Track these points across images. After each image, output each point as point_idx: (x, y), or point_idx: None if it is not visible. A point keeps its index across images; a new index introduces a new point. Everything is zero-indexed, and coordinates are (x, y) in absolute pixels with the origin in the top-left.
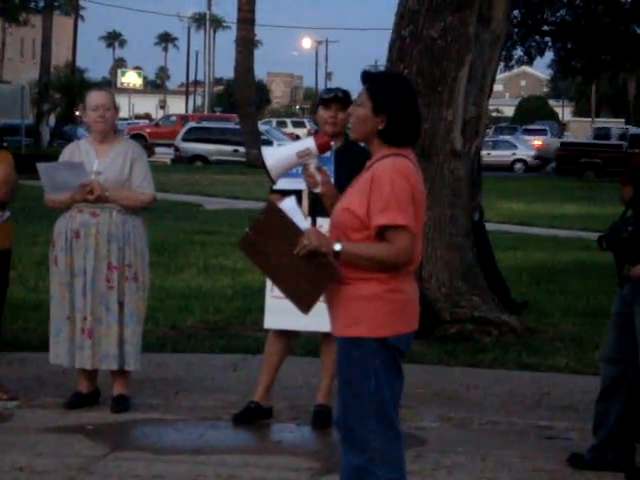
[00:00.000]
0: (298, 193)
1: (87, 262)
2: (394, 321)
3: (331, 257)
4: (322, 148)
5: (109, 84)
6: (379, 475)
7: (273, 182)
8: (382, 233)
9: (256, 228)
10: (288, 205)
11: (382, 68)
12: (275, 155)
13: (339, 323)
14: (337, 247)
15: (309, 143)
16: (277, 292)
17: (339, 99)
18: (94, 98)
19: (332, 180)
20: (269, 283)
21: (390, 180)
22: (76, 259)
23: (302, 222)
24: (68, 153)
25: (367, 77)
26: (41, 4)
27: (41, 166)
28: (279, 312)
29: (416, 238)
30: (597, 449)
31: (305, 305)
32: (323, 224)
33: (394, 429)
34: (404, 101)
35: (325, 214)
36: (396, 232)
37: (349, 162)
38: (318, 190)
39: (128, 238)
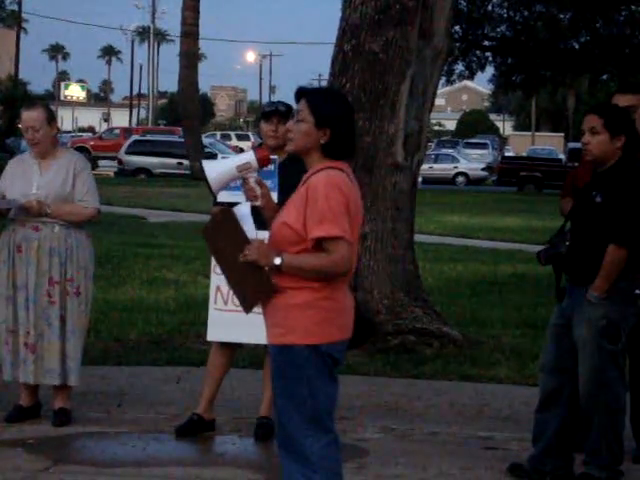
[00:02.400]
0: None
1: (29, 277)
2: (326, 329)
3: (267, 272)
4: (262, 162)
5: (52, 97)
6: None
7: (214, 196)
8: (319, 245)
9: (212, 224)
10: (241, 211)
11: (325, 82)
12: (216, 169)
13: (273, 331)
14: (277, 261)
15: (249, 157)
16: (220, 304)
17: (280, 112)
18: (24, 119)
19: (276, 193)
20: (213, 296)
21: (324, 193)
22: (18, 273)
23: (251, 230)
24: (12, 167)
25: (304, 93)
26: None
27: None
28: (222, 324)
29: (353, 248)
30: (536, 459)
31: (246, 307)
32: (265, 237)
33: (330, 435)
34: (345, 115)
35: (266, 227)
36: (333, 243)
37: (293, 175)
38: (258, 203)
39: (71, 252)
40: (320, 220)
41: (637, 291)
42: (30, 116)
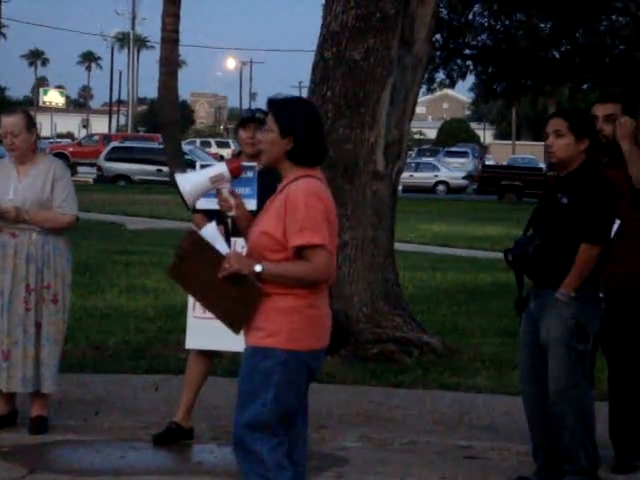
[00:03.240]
0: (219, 213)
1: (4, 284)
2: (308, 336)
3: (252, 278)
4: (234, 172)
5: (31, 103)
6: (271, 477)
7: (188, 208)
8: (300, 253)
9: (181, 256)
10: (209, 232)
11: (305, 90)
12: (190, 181)
13: (255, 333)
14: (257, 268)
15: (222, 168)
16: (199, 312)
17: (257, 119)
18: (3, 125)
19: (255, 200)
20: (191, 303)
21: (304, 202)
22: None
23: (223, 247)
24: None
25: (271, 104)
26: None
27: None
28: (201, 332)
29: (332, 256)
30: (542, 472)
31: (237, 327)
32: (244, 244)
33: (278, 438)
34: (307, 121)
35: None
36: (314, 251)
37: (272, 183)
38: (232, 214)
39: (48, 259)
40: (301, 229)
41: (601, 295)
42: (9, 121)
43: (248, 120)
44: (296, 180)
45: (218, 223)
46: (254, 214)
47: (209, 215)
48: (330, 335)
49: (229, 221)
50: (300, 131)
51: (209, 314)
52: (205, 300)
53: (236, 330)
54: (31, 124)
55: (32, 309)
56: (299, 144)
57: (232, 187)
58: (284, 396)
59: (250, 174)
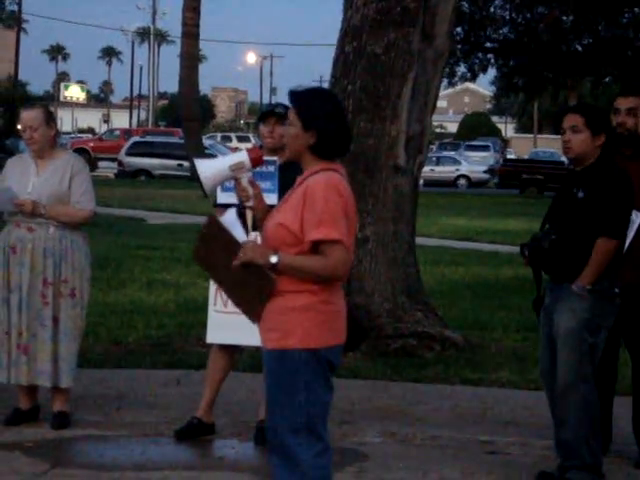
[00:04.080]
0: (239, 207)
1: (22, 278)
2: (325, 333)
3: (265, 268)
4: (255, 162)
5: (52, 98)
6: None
7: (206, 195)
8: (316, 247)
9: (201, 241)
10: (228, 219)
11: (326, 84)
12: (209, 168)
13: (270, 335)
14: (273, 259)
15: (242, 157)
16: (220, 306)
17: (276, 114)
18: (23, 119)
19: (276, 194)
20: (212, 298)
21: (323, 195)
22: (12, 274)
23: (242, 235)
24: (10, 165)
25: (293, 96)
26: None
27: None
28: (222, 327)
29: (349, 251)
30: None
31: (254, 316)
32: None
33: (321, 443)
34: (331, 114)
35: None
36: (331, 246)
37: (293, 176)
38: (250, 204)
39: (65, 254)
40: (318, 223)
41: (616, 290)
42: (29, 115)
43: (268, 114)
44: (315, 174)
45: (238, 216)
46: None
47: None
48: (347, 331)
49: (249, 216)
50: (323, 125)
51: (230, 308)
52: (224, 285)
53: (253, 319)
54: (50, 119)
55: (50, 303)
56: (322, 138)
57: (252, 177)
58: (315, 394)
59: (271, 168)
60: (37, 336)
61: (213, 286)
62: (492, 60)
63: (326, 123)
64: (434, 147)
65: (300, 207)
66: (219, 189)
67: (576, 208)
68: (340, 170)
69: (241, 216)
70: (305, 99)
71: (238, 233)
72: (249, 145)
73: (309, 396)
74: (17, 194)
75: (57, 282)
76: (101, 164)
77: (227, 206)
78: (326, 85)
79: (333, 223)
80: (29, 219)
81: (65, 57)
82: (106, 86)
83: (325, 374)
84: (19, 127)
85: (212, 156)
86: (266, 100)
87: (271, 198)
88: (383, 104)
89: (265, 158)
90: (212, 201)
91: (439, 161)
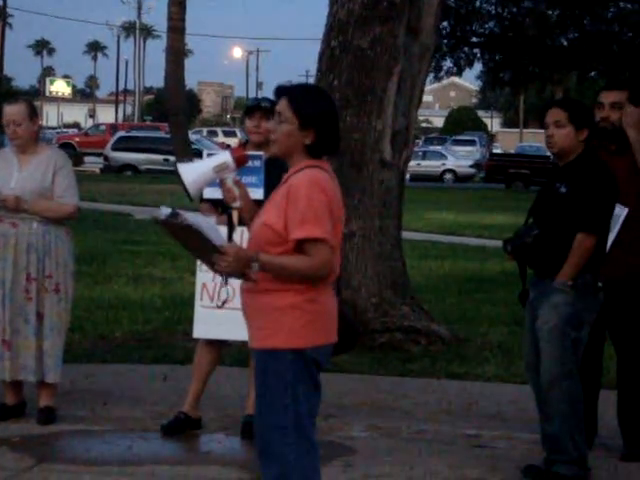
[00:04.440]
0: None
1: (5, 273)
2: (311, 332)
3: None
4: (239, 161)
5: (37, 93)
6: None
7: (191, 199)
8: (300, 246)
9: (175, 231)
10: (205, 223)
11: (312, 79)
12: (192, 172)
13: (256, 334)
14: (254, 267)
15: (225, 157)
16: (207, 302)
17: (262, 108)
18: (6, 113)
19: (262, 189)
20: (199, 293)
21: (306, 193)
22: None
23: (219, 239)
24: None
25: (285, 92)
26: None
27: None
28: (208, 322)
29: (334, 250)
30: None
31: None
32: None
33: (309, 441)
34: (329, 113)
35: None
36: (314, 245)
37: (279, 171)
38: (237, 204)
39: (49, 249)
40: (301, 221)
41: (599, 284)
42: (12, 110)
43: (253, 109)
44: (300, 170)
45: (223, 212)
46: (261, 203)
47: (216, 205)
48: (339, 333)
49: (235, 213)
50: (323, 124)
51: (216, 303)
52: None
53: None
54: (33, 113)
55: (33, 299)
56: (321, 138)
57: (238, 176)
58: (302, 394)
59: (257, 163)
60: (20, 332)
61: (199, 281)
62: (478, 54)
63: (324, 122)
64: (420, 142)
65: (283, 206)
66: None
67: (558, 203)
68: (325, 167)
69: (225, 211)
70: (302, 96)
71: (215, 237)
72: (235, 140)
73: (295, 396)
74: (0, 189)
75: (41, 277)
76: (87, 159)
77: (213, 201)
78: (312, 80)
79: (316, 221)
80: (12, 214)
81: (50, 52)
82: (92, 81)
83: (312, 374)
84: (3, 122)
85: (198, 152)
86: (252, 95)
87: (257, 193)
88: (369, 98)
89: (251, 153)
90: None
91: (425, 155)
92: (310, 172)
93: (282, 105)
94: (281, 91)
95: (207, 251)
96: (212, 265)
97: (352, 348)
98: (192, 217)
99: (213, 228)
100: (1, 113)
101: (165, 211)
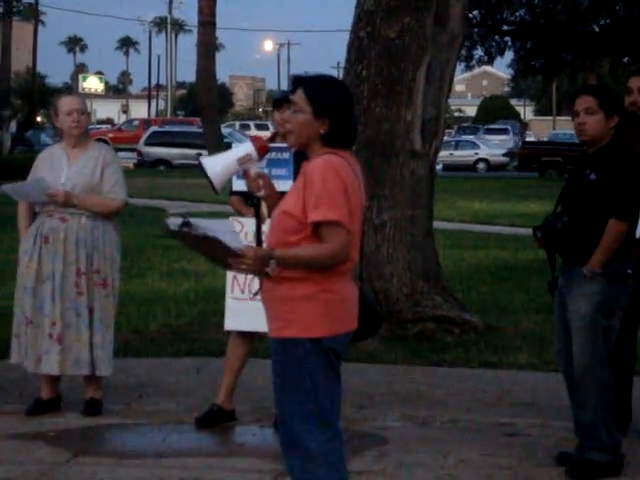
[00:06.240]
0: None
1: (55, 268)
2: (328, 321)
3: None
4: (261, 151)
5: (70, 89)
6: (321, 476)
7: (216, 192)
8: (317, 231)
9: (189, 242)
10: (221, 228)
11: (342, 70)
12: (216, 164)
13: (273, 324)
14: (272, 264)
15: (249, 148)
16: (238, 294)
17: (290, 100)
18: (68, 103)
19: (291, 182)
20: (229, 285)
21: (321, 176)
22: (45, 264)
23: (235, 241)
24: (41, 160)
25: (300, 82)
26: (0, 10)
27: (7, 187)
28: (239, 314)
29: (353, 236)
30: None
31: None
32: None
33: (332, 429)
34: (344, 102)
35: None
36: (330, 228)
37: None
38: (261, 194)
39: (97, 244)
40: (316, 203)
41: (629, 271)
42: (74, 100)
43: (281, 101)
44: (318, 157)
45: (252, 205)
46: None
47: (246, 197)
48: (360, 320)
49: (264, 205)
50: (338, 114)
51: (247, 295)
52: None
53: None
54: (87, 106)
55: (84, 293)
56: (336, 127)
57: (266, 168)
58: (321, 383)
59: (286, 155)
60: (72, 326)
61: (230, 274)
62: (509, 43)
63: (339, 112)
64: (453, 131)
65: (300, 191)
66: (234, 177)
67: (588, 190)
68: (344, 155)
69: (253, 204)
70: (317, 86)
71: (231, 238)
72: (268, 133)
73: (315, 385)
74: (50, 185)
75: (90, 272)
76: (121, 154)
77: (243, 194)
78: (342, 71)
79: (331, 204)
80: (62, 209)
81: (82, 48)
82: (124, 76)
83: (330, 363)
84: (39, 119)
85: (230, 146)
86: (284, 87)
87: (287, 185)
88: (398, 89)
89: (280, 145)
90: (229, 189)
91: (458, 145)
92: (326, 157)
93: (298, 95)
94: (297, 81)
95: (223, 255)
96: (227, 266)
97: (374, 334)
98: (206, 225)
99: (228, 231)
100: (37, 111)
101: (175, 221)
